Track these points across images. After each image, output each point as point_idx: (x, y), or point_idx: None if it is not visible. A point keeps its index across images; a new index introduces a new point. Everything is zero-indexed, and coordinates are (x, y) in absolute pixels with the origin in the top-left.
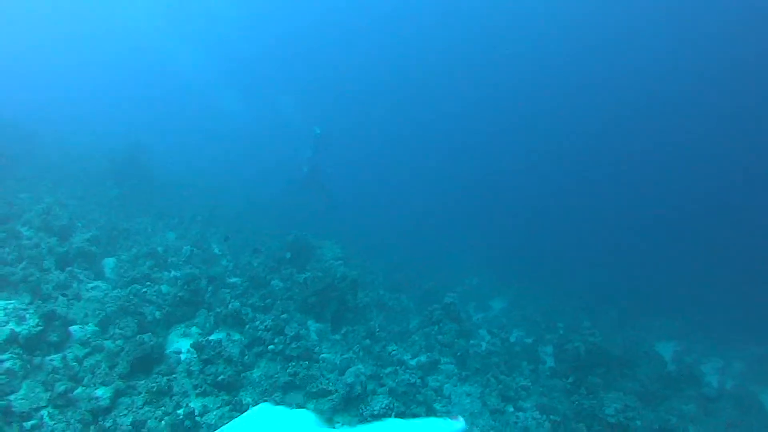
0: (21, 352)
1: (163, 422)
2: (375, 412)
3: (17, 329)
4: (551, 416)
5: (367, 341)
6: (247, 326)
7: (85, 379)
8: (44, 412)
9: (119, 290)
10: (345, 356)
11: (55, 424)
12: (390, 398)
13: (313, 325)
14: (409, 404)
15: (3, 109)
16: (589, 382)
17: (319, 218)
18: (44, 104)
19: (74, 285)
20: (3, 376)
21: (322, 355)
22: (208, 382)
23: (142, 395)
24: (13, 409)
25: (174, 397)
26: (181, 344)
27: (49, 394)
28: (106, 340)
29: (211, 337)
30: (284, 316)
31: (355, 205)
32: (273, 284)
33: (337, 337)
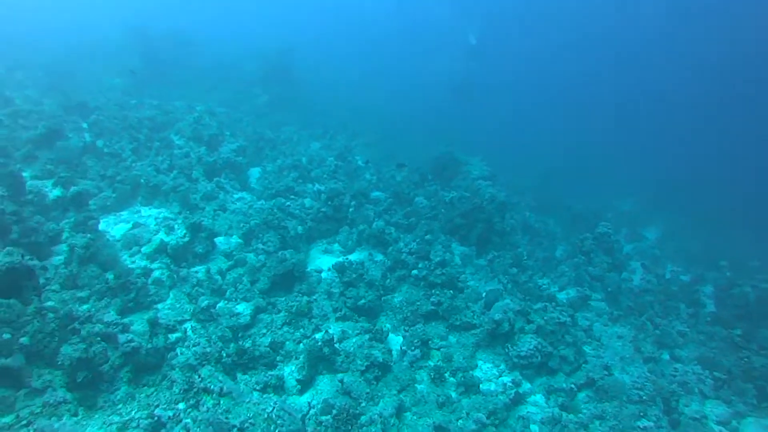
0: (169, 262)
1: (300, 345)
2: (522, 353)
3: (166, 239)
4: (714, 372)
5: (514, 270)
6: (390, 248)
7: (227, 293)
8: (188, 326)
9: (263, 202)
10: (492, 287)
11: (197, 338)
12: (538, 339)
13: (457, 248)
14: (556, 345)
15: (162, 20)
16: (762, 336)
17: (468, 133)
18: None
19: (220, 196)
20: (152, 286)
21: (467, 283)
22: (348, 305)
23: (282, 314)
24: (160, 321)
25: (313, 320)
26: (322, 261)
27: (192, 307)
28: (248, 253)
29: (352, 257)
30: (428, 237)
31: (507, 120)
32: (417, 201)
33: (482, 262)
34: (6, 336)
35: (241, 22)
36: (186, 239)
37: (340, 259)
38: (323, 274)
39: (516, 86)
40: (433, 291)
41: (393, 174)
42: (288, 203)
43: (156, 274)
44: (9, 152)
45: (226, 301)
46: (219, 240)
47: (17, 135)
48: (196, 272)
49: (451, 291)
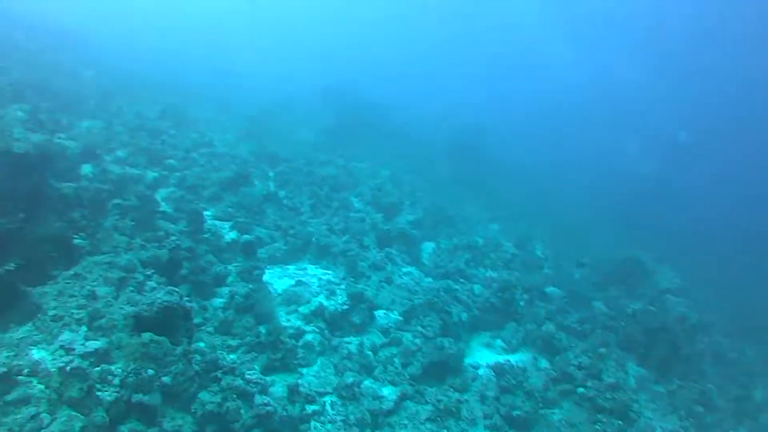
0: (323, 327)
1: None
2: None
3: (325, 303)
4: None
5: (700, 408)
6: (558, 356)
7: (376, 371)
8: (328, 399)
9: (431, 280)
10: (670, 426)
11: (335, 415)
12: None
13: (633, 369)
14: None
15: (361, 81)
16: None
17: (662, 235)
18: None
19: (388, 267)
20: (302, 349)
21: (641, 413)
22: (501, 413)
23: (428, 407)
24: (301, 389)
25: (460, 422)
26: (481, 356)
27: (337, 380)
28: (406, 333)
29: (514, 358)
30: (602, 350)
31: (711, 224)
32: (595, 306)
33: (662, 389)
34: (150, 372)
35: (437, 90)
36: (345, 307)
37: (501, 358)
38: (480, 371)
39: (720, 188)
40: (599, 416)
41: (572, 271)
42: (456, 286)
43: (308, 337)
44: (198, 190)
45: (372, 381)
46: (378, 313)
47: (208, 175)
48: (349, 343)
49: (621, 421)
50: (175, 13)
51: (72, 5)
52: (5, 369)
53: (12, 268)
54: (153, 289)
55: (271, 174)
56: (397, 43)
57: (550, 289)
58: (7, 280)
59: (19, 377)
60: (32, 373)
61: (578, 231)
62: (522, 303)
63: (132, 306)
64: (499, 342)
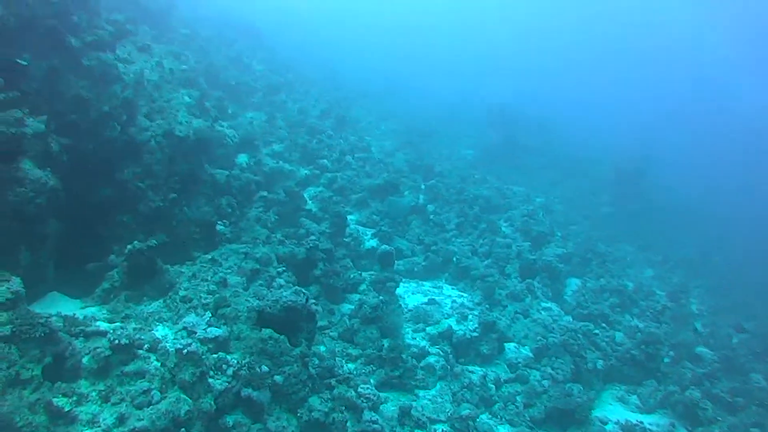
0: (449, 351)
1: None
2: None
3: (455, 327)
4: None
5: None
6: (701, 429)
7: (495, 407)
8: (439, 428)
9: (570, 320)
10: None
11: None
12: None
13: None
14: None
15: (528, 99)
16: None
17: None
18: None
19: (527, 300)
20: (422, 370)
21: None
22: None
23: None
24: (413, 412)
25: None
26: (612, 411)
27: (452, 409)
28: (534, 371)
29: (648, 419)
30: (754, 430)
31: None
32: (752, 378)
33: None
34: (264, 368)
35: (607, 117)
36: (475, 334)
37: (634, 417)
38: (608, 426)
39: None
40: None
41: (729, 333)
42: (597, 331)
43: (431, 359)
44: (346, 193)
45: (489, 416)
46: (509, 346)
47: (359, 179)
48: (472, 372)
49: None
50: (351, 14)
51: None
52: (128, 341)
53: (154, 244)
54: (281, 286)
55: (422, 186)
56: (573, 67)
57: (701, 350)
58: (148, 255)
59: (140, 351)
60: (152, 349)
61: (743, 289)
62: (667, 360)
63: (258, 300)
64: (634, 399)
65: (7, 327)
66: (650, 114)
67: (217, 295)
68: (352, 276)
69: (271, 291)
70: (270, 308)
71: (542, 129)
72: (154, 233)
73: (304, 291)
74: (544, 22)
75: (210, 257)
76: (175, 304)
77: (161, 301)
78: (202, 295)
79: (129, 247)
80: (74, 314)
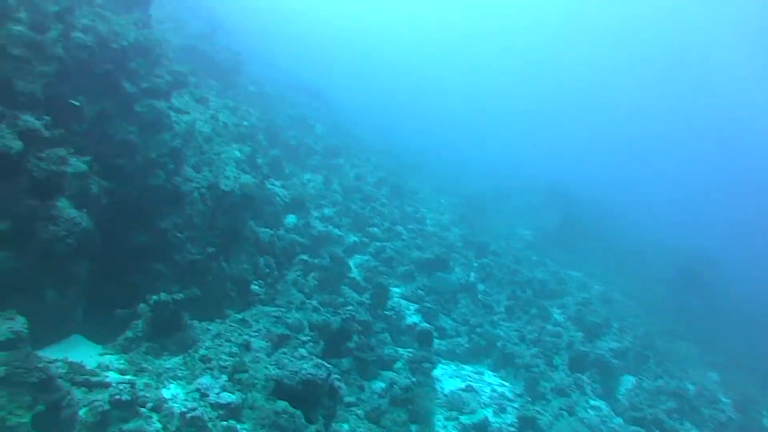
0: None
1: None
2: None
3: (491, 419)
4: None
5: None
6: None
7: None
8: None
9: (620, 422)
10: None
11: None
12: None
13: None
14: None
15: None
16: None
17: None
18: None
19: (574, 396)
20: None
21: None
22: None
23: None
24: None
25: None
26: None
27: None
28: None
29: None
30: None
31: None
32: None
33: None
34: None
35: (674, 207)
36: (512, 429)
37: None
38: None
39: None
40: None
41: None
42: None
43: None
44: (393, 265)
45: None
46: None
47: (408, 252)
48: None
49: None
50: (416, 82)
51: (321, 63)
52: (130, 397)
53: (180, 298)
54: (303, 357)
55: (474, 264)
56: (639, 150)
57: None
58: (173, 308)
59: (142, 409)
60: (155, 409)
61: None
62: None
63: (278, 368)
64: None
65: (2, 368)
66: (721, 206)
67: (237, 359)
68: (387, 352)
69: (292, 360)
70: (288, 379)
71: (603, 211)
72: (188, 286)
73: (326, 365)
74: (610, 98)
75: (240, 317)
76: (194, 362)
77: (181, 357)
78: (222, 356)
79: (155, 298)
80: (81, 362)
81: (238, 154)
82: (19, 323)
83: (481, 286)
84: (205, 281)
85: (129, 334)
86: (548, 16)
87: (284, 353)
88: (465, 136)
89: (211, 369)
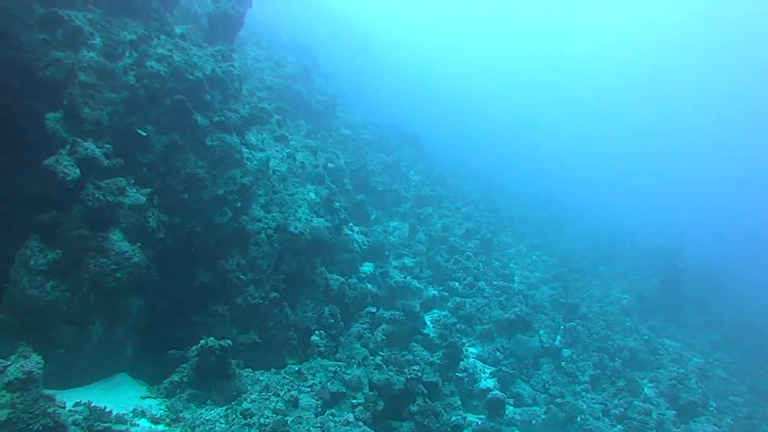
0: None
1: None
2: None
3: None
4: None
5: None
6: None
7: None
8: None
9: None
10: None
11: None
12: None
13: None
14: None
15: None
16: None
17: None
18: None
19: None
20: None
21: None
22: None
23: None
24: None
25: None
26: None
27: None
28: None
29: None
30: None
31: None
32: None
33: None
34: None
35: None
36: None
37: None
38: None
39: None
40: None
41: None
42: None
43: None
44: (472, 323)
45: None
46: None
47: (489, 310)
48: None
49: None
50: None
51: (422, 109)
52: None
53: (227, 345)
54: (348, 423)
55: (561, 327)
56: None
57: None
58: (220, 355)
59: None
60: None
61: None
62: None
63: None
64: None
65: (5, 411)
66: None
67: (280, 416)
68: (453, 419)
69: (337, 427)
70: None
71: (710, 280)
72: (248, 330)
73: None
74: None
75: (297, 369)
76: (235, 416)
77: (223, 408)
78: (266, 411)
79: (201, 342)
80: (106, 407)
81: (313, 196)
82: (33, 362)
83: (566, 352)
84: (265, 327)
85: (175, 377)
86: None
87: (332, 415)
88: (571, 191)
89: (250, 426)
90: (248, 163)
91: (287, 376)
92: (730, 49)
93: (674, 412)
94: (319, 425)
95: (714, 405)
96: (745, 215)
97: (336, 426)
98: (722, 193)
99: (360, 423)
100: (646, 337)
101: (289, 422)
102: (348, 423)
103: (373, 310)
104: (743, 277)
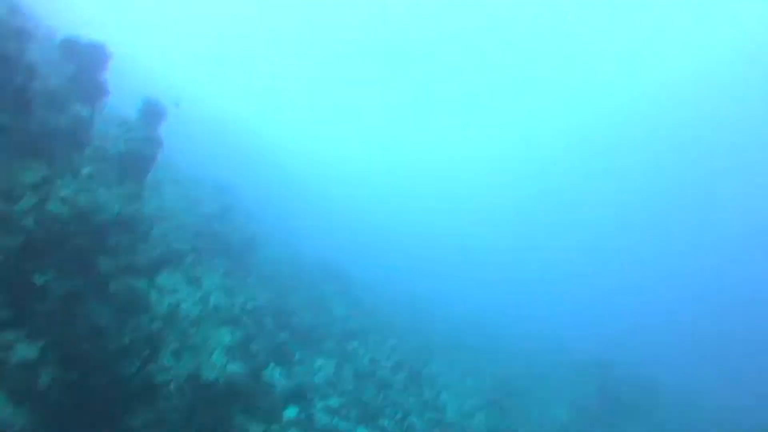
0: None
1: None
2: None
3: None
4: None
5: None
6: None
7: None
8: None
9: None
10: None
11: None
12: None
13: None
14: None
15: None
16: None
17: None
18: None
19: None
20: None
21: None
22: None
23: None
24: None
25: None
26: None
27: None
28: None
29: None
30: None
31: None
32: None
33: None
34: None
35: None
36: None
37: None
38: None
39: None
40: None
41: None
42: None
43: None
44: None
45: None
46: None
47: None
48: None
49: None
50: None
51: (347, 242)
52: None
53: None
54: None
55: None
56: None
57: None
58: None
59: None
60: None
61: None
62: None
63: None
64: None
65: None
66: None
67: None
68: None
69: None
70: None
71: (648, 388)
72: None
73: None
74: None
75: None
76: None
77: None
78: None
79: None
80: None
81: (228, 339)
82: None
83: None
84: None
85: None
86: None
87: None
88: (500, 312)
89: None
90: (157, 307)
91: None
92: None
93: None
94: None
95: None
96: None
97: None
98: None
99: None
100: None
101: None
102: None
103: None
104: (684, 383)
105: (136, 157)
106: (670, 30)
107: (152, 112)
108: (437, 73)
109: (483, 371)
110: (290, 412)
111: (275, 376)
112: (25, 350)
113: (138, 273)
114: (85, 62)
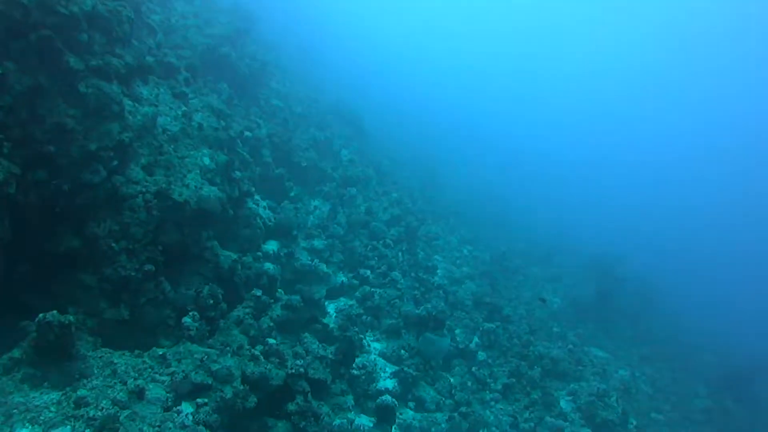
0: None
1: None
2: None
3: None
4: None
5: None
6: None
7: None
8: None
9: None
10: None
11: None
12: None
13: None
14: None
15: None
16: None
17: None
18: None
19: None
20: None
21: None
22: None
23: None
24: None
25: None
26: None
27: None
28: None
29: None
30: None
31: None
32: None
33: None
34: None
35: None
36: None
37: None
38: None
39: None
40: None
41: None
42: None
43: None
44: (380, 317)
45: None
46: None
47: (402, 304)
48: None
49: None
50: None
51: (368, 89)
52: None
53: (68, 321)
54: (184, 426)
55: (480, 328)
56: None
57: None
58: (59, 333)
59: None
60: None
61: None
62: None
63: None
64: None
65: None
66: None
67: (114, 410)
68: (337, 422)
69: (175, 428)
70: None
71: (645, 294)
72: (118, 305)
73: None
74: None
75: (161, 353)
76: (67, 403)
77: (59, 393)
78: (103, 402)
79: (40, 317)
80: None
81: (207, 161)
82: None
83: (481, 355)
84: (137, 303)
85: (16, 353)
86: None
87: (186, 412)
88: (517, 191)
89: (76, 418)
90: (130, 117)
91: (147, 361)
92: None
93: (589, 430)
94: (157, 425)
95: (634, 423)
96: (689, 234)
97: (174, 427)
98: (668, 210)
99: (201, 427)
100: (570, 346)
101: (121, 418)
102: (185, 427)
103: (259, 293)
104: (680, 294)
105: None
106: None
107: None
108: None
109: (482, 243)
110: (270, 246)
111: (261, 208)
112: None
113: (111, 77)
114: None
